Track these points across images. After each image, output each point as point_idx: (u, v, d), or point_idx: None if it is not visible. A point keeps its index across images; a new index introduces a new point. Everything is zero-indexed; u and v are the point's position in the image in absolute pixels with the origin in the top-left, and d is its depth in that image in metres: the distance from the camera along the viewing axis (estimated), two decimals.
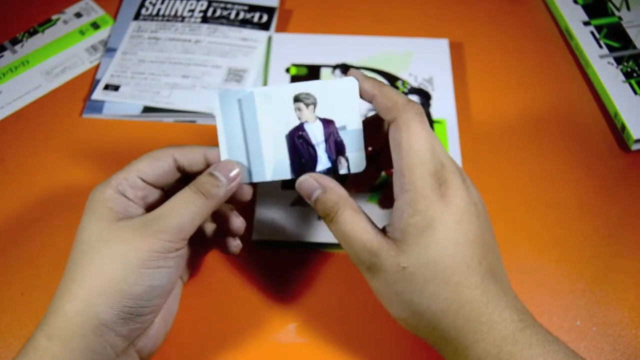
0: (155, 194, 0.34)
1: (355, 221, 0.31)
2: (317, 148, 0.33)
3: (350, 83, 0.32)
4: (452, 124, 0.46)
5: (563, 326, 0.37)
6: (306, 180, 0.32)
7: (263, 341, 0.37)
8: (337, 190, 0.32)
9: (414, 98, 0.48)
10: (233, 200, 0.34)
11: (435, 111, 0.47)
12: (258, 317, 0.38)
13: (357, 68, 0.49)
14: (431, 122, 0.46)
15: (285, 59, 0.50)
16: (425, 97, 0.48)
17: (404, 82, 0.49)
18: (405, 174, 0.30)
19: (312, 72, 0.49)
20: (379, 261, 0.30)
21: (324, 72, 0.50)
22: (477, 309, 0.29)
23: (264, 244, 0.41)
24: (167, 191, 0.34)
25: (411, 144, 0.30)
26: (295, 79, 0.49)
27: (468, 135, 0.46)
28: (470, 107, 0.48)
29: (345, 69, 0.50)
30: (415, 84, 0.49)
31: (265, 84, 0.49)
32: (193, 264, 0.37)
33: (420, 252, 0.30)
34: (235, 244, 0.36)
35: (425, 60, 0.50)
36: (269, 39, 0.52)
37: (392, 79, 0.49)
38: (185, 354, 0.37)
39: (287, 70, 0.50)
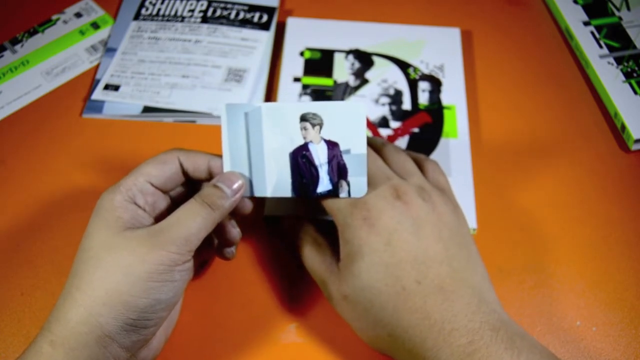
0: (163, 200, 0.33)
1: (312, 254, 0.35)
2: (319, 169, 0.33)
3: (358, 107, 0.32)
4: (461, 109, 0.47)
5: (563, 326, 0.37)
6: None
7: (263, 341, 0.37)
8: (303, 224, 0.37)
9: (425, 85, 0.48)
10: (234, 213, 0.34)
11: (445, 97, 0.48)
12: (258, 317, 0.38)
13: (370, 53, 0.50)
14: (441, 108, 0.47)
15: (300, 42, 0.51)
16: (435, 84, 0.48)
17: (415, 69, 0.49)
18: (330, 213, 0.33)
19: (325, 57, 0.50)
20: (328, 290, 0.33)
21: (337, 56, 0.50)
22: (420, 334, 0.29)
23: (274, 220, 0.41)
24: (174, 197, 0.35)
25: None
26: (309, 62, 0.50)
27: (475, 122, 0.47)
28: (477, 97, 0.49)
29: (358, 54, 0.50)
30: (426, 71, 0.49)
31: (279, 67, 0.50)
32: (195, 271, 0.37)
33: (355, 279, 0.31)
34: (230, 251, 0.36)
35: (437, 48, 0.51)
36: (285, 24, 0.52)
37: (404, 65, 0.50)
38: (185, 354, 0.36)
39: (302, 53, 0.50)
